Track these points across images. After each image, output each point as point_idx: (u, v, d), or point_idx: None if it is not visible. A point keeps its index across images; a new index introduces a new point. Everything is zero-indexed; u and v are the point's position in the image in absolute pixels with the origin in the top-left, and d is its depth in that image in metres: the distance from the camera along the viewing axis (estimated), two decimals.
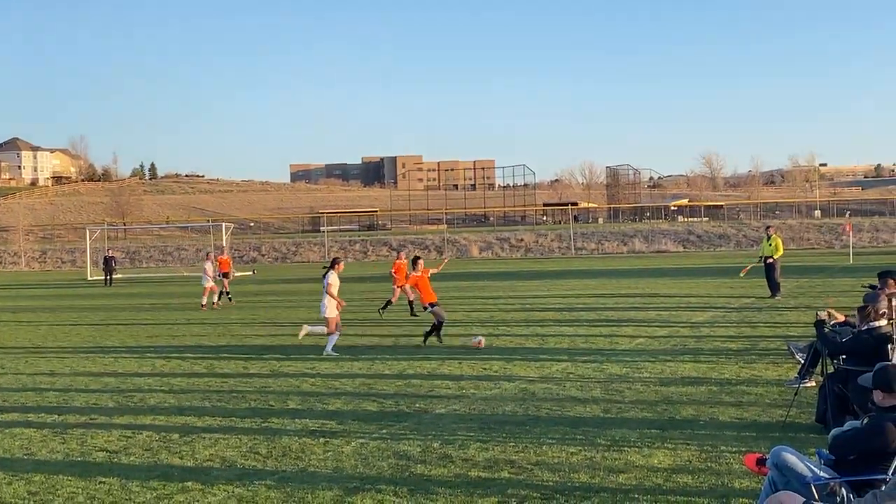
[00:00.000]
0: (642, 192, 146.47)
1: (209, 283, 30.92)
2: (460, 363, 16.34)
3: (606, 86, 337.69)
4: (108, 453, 10.43)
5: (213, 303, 30.91)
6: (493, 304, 27.51)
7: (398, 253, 28.38)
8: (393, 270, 27.26)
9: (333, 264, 18.80)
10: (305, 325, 19.78)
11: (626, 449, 9.76)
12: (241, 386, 14.74)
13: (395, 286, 26.25)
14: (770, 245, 27.96)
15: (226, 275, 32.93)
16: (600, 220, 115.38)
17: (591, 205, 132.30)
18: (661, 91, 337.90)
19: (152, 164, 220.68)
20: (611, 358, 16.32)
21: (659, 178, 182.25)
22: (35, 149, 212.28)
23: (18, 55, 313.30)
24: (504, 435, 10.61)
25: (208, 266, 31.40)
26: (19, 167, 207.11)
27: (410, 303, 25.65)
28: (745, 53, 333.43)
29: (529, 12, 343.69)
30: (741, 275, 29.36)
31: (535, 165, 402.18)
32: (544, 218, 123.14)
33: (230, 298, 32.53)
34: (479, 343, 18.36)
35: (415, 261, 19.99)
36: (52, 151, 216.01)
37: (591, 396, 12.85)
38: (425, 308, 19.55)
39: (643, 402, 12.27)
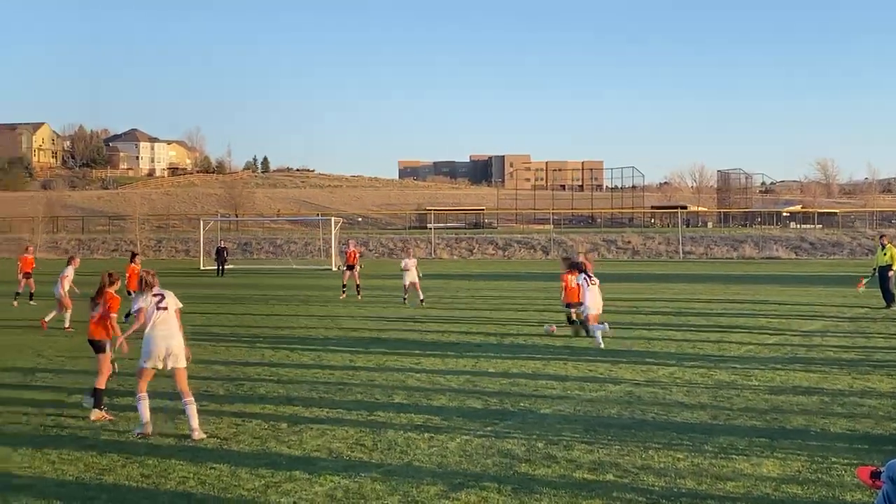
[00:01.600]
0: (754, 196, 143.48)
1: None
2: (565, 363, 16.31)
3: (719, 88, 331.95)
4: (219, 440, 10.69)
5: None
6: None
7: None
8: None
9: None
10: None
11: (734, 457, 9.63)
12: (348, 378, 14.95)
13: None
14: (885, 255, 27.23)
15: (351, 267, 33.09)
16: (709, 225, 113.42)
17: (700, 209, 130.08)
18: (775, 95, 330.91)
19: (265, 158, 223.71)
20: (719, 364, 16.10)
21: (771, 183, 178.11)
22: (153, 140, 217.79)
23: (140, 49, 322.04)
24: (609, 437, 10.57)
25: (408, 262, 31.26)
26: (137, 158, 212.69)
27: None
28: (862, 57, 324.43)
29: (641, 13, 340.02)
30: (859, 290, 28.62)
31: (645, 167, 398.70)
32: (652, 220, 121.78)
33: (344, 291, 32.80)
34: (553, 329, 20.50)
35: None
36: (168, 143, 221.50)
37: (699, 402, 12.70)
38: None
39: (752, 410, 12.08)
